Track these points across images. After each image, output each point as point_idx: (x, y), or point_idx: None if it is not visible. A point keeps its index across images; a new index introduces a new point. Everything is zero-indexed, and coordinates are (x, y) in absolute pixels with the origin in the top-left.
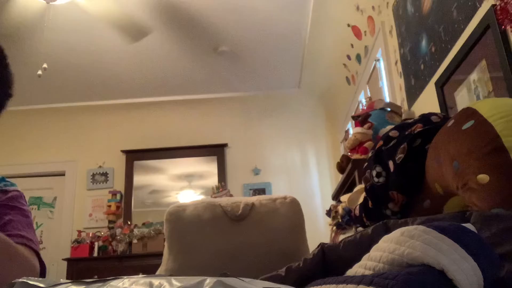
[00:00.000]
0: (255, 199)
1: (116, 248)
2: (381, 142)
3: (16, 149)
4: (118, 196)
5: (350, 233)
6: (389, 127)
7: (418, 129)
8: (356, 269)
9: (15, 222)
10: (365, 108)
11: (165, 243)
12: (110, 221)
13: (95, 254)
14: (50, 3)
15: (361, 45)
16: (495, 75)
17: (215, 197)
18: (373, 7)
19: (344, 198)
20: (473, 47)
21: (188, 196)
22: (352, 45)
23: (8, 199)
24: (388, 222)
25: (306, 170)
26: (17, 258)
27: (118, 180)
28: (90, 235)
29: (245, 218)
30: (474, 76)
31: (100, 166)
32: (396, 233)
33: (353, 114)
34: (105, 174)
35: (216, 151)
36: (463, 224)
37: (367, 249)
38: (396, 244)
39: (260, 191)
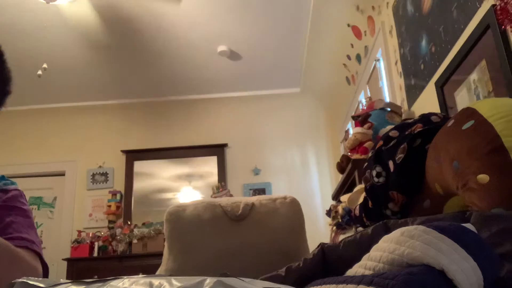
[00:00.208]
0: (255, 199)
1: (116, 248)
2: (381, 142)
3: (16, 149)
4: (118, 196)
5: (350, 233)
6: (389, 127)
7: (418, 129)
8: (356, 269)
9: (16, 224)
10: (365, 108)
11: (165, 243)
12: (110, 221)
13: (95, 254)
14: (50, 3)
15: (361, 45)
16: (495, 75)
17: (215, 197)
18: (373, 7)
19: (344, 198)
20: (473, 47)
21: (188, 196)
22: (352, 45)
23: (8, 199)
24: (388, 222)
25: (306, 170)
26: (19, 263)
27: (118, 180)
28: (90, 235)
29: (245, 218)
30: (474, 76)
31: (100, 166)
32: (396, 233)
33: (353, 114)
34: (105, 174)
35: (216, 151)
36: (463, 224)
37: (367, 249)
38: (396, 244)
39: (260, 191)
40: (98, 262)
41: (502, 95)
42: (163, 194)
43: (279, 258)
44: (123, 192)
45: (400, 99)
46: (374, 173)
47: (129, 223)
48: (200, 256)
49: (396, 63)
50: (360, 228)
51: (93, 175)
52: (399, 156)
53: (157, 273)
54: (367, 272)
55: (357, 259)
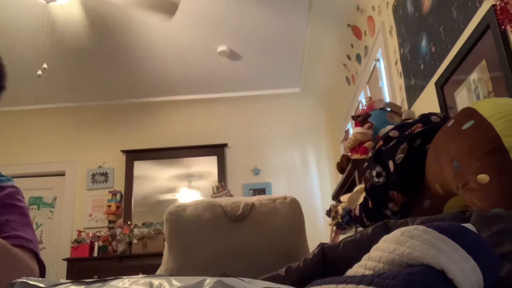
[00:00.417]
0: (255, 199)
1: (116, 248)
2: (381, 142)
3: (16, 149)
4: (118, 196)
5: (350, 233)
6: (389, 127)
7: (418, 129)
8: (356, 269)
9: (13, 222)
10: (365, 108)
11: (165, 243)
12: (110, 221)
13: (95, 254)
14: (50, 3)
15: (361, 45)
16: (495, 75)
17: (215, 197)
18: (373, 7)
19: (344, 198)
20: (473, 47)
21: (188, 196)
22: (352, 45)
23: (4, 196)
24: (388, 222)
25: (306, 170)
26: (15, 262)
27: (118, 180)
28: (90, 235)
29: (245, 218)
30: (474, 76)
31: (100, 166)
32: (396, 233)
33: (353, 114)
34: (105, 174)
35: (216, 151)
36: (463, 224)
37: (367, 249)
38: (396, 244)
39: (260, 191)
40: (98, 262)
41: (502, 95)
42: (163, 194)
43: (279, 258)
44: (123, 192)
45: (400, 99)
46: (374, 173)
47: (129, 223)
48: (200, 256)
49: (396, 63)
50: (360, 228)
51: (93, 175)
52: (399, 156)
53: (157, 273)
54: (367, 272)
55: (357, 259)
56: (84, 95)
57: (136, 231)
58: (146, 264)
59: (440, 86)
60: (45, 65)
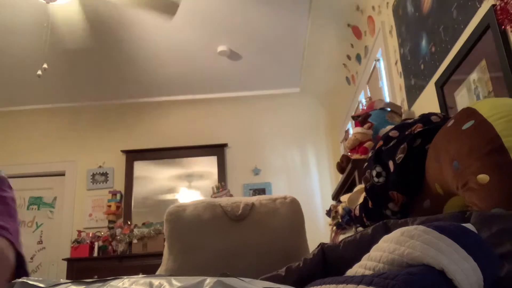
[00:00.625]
0: (255, 199)
1: (116, 248)
2: (381, 142)
3: (16, 149)
4: (118, 196)
5: (350, 233)
6: (389, 127)
7: (418, 129)
8: (356, 269)
9: None
10: (365, 108)
11: (165, 243)
12: (110, 221)
13: (95, 254)
14: (50, 3)
15: (361, 45)
16: (495, 75)
17: (215, 197)
18: (373, 7)
19: (344, 198)
20: (473, 47)
21: (188, 196)
22: (352, 45)
23: None
24: (388, 222)
25: (306, 170)
26: None
27: (118, 180)
28: (90, 235)
29: (245, 218)
30: (474, 76)
31: (100, 166)
32: (396, 233)
33: (353, 114)
34: (105, 174)
35: (216, 151)
36: (463, 224)
37: (367, 249)
38: (396, 244)
39: (260, 191)
40: (98, 262)
41: (502, 95)
42: (163, 194)
43: (279, 258)
44: (123, 192)
45: (400, 99)
46: (374, 173)
47: (129, 223)
48: (200, 256)
49: (396, 63)
50: (360, 228)
51: (93, 175)
52: (399, 156)
53: (157, 273)
54: (367, 272)
55: (357, 259)
56: (84, 95)
57: (136, 231)
58: (146, 264)
59: (440, 86)
60: (45, 65)
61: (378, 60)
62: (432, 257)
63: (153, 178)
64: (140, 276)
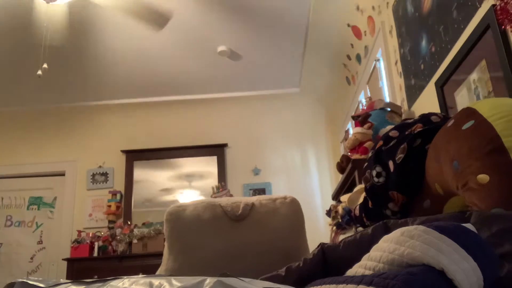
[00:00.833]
0: (255, 199)
1: (116, 248)
2: (381, 142)
3: (16, 149)
4: (118, 196)
5: (350, 233)
6: (389, 127)
7: (418, 129)
8: (356, 269)
9: None
10: (365, 108)
11: (165, 243)
12: (110, 221)
13: (95, 254)
14: (50, 3)
15: (361, 45)
16: (495, 75)
17: (215, 197)
18: (373, 7)
19: (344, 198)
20: (473, 47)
21: (188, 196)
22: (352, 45)
23: None
24: (388, 222)
25: (306, 170)
26: None
27: (118, 180)
28: (90, 235)
29: (245, 218)
30: (474, 76)
31: (100, 166)
32: (396, 233)
33: (353, 114)
34: (105, 174)
35: (216, 151)
36: (463, 224)
37: (367, 249)
38: (396, 244)
39: (260, 191)
40: (98, 262)
41: (502, 95)
42: (163, 194)
43: (279, 258)
44: (123, 192)
45: (400, 99)
46: (374, 173)
47: (129, 223)
48: (200, 256)
49: (396, 63)
50: (360, 228)
51: (93, 175)
52: (399, 156)
53: (157, 273)
54: (367, 272)
55: (357, 259)
56: (84, 95)
57: (136, 231)
58: (146, 264)
59: (440, 86)
60: (45, 65)
61: (378, 60)
62: (432, 257)
63: (153, 178)
64: (140, 276)
